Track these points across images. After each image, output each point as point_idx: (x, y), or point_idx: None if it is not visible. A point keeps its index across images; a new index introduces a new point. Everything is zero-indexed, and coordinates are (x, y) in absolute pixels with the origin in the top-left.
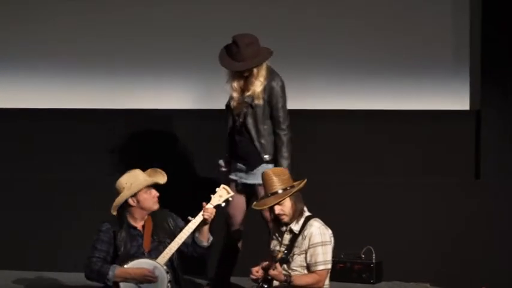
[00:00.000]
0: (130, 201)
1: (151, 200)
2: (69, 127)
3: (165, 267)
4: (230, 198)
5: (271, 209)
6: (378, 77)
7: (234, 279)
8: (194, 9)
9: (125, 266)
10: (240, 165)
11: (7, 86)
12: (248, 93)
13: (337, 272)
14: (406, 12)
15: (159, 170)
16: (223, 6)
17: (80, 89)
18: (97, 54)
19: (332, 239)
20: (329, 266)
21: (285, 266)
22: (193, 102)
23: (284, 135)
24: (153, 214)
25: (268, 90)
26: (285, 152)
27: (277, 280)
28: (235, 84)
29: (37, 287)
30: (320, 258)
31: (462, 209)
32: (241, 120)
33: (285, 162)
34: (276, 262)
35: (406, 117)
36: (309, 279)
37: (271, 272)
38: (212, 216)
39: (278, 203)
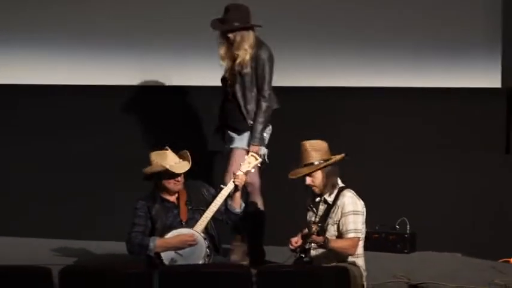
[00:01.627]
0: (156, 178)
1: (171, 183)
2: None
3: (202, 234)
4: (259, 165)
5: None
6: (411, 55)
7: (272, 249)
8: None
9: (165, 236)
10: (230, 132)
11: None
12: (237, 62)
13: (372, 242)
14: None
15: (187, 156)
16: None
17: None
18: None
19: (364, 209)
20: (359, 235)
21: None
22: None
23: (263, 102)
24: (186, 185)
25: (255, 58)
26: (260, 117)
27: (315, 242)
28: (221, 52)
29: (77, 256)
30: (351, 227)
31: (493, 182)
32: (230, 89)
33: (259, 127)
34: (312, 232)
35: (440, 95)
36: (344, 243)
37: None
38: (243, 183)
39: (309, 174)
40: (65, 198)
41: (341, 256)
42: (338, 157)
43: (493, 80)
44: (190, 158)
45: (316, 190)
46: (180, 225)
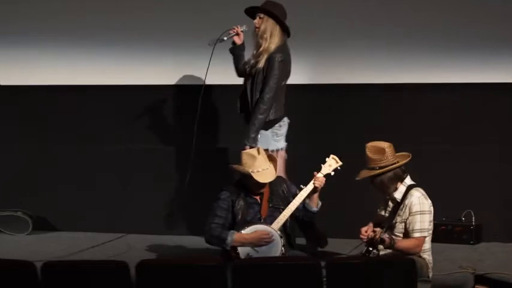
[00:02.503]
0: (242, 175)
1: (254, 187)
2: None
3: (278, 232)
4: (339, 168)
5: None
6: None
7: (340, 241)
8: None
9: (242, 231)
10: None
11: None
12: (256, 52)
13: (439, 234)
14: None
15: (274, 163)
16: None
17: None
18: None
19: (431, 208)
20: (425, 234)
21: (388, 231)
22: None
23: (261, 104)
24: (269, 183)
25: (269, 59)
26: (256, 119)
27: (382, 244)
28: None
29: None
30: (417, 226)
31: None
32: (245, 82)
33: (253, 128)
34: (381, 229)
35: (501, 89)
36: (409, 243)
37: (373, 236)
38: (322, 185)
39: (370, 177)
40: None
41: (407, 254)
42: (399, 163)
43: None
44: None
45: (378, 191)
46: (259, 221)
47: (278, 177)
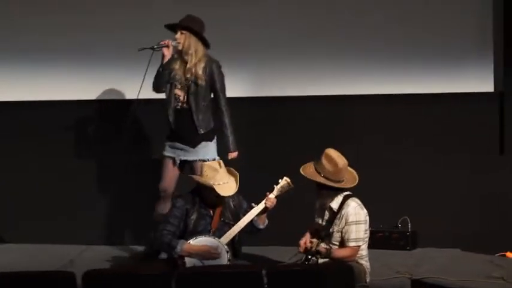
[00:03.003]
0: (200, 186)
1: (211, 198)
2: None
3: (226, 246)
4: (291, 191)
5: None
6: (407, 62)
7: (279, 249)
8: None
9: (190, 241)
10: (180, 144)
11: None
12: (188, 67)
13: (377, 240)
14: None
15: (236, 176)
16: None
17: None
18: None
19: (367, 217)
20: (360, 243)
21: (326, 239)
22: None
23: (227, 111)
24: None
25: (208, 70)
26: (230, 125)
27: (319, 253)
28: (172, 59)
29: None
30: (352, 236)
31: (489, 181)
32: (181, 98)
33: (231, 134)
34: (319, 238)
35: (436, 100)
36: (345, 252)
37: (310, 247)
38: (273, 205)
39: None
40: (85, 205)
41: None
42: (339, 185)
43: (486, 84)
44: (238, 179)
45: (317, 195)
46: (208, 233)
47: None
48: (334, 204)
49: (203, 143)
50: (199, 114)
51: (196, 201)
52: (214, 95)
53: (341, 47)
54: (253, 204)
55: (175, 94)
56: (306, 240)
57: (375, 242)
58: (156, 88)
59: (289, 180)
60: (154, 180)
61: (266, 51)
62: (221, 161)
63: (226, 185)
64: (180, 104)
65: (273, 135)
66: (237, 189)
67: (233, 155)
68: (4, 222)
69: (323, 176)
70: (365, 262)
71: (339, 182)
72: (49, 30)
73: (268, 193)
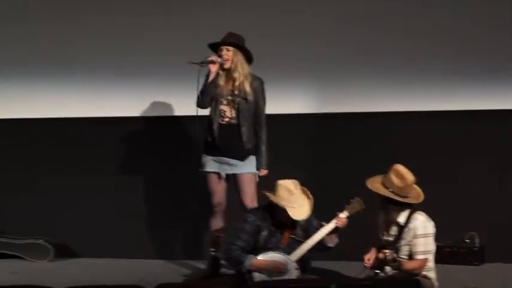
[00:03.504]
0: (273, 204)
1: (287, 219)
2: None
3: (295, 264)
4: (361, 211)
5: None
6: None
7: (344, 264)
8: None
9: (260, 256)
10: (229, 159)
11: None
12: (236, 84)
13: (444, 255)
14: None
15: (311, 203)
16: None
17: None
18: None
19: (434, 229)
20: (428, 256)
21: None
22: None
23: (264, 129)
24: None
25: (253, 87)
26: (265, 142)
27: (389, 265)
28: (218, 75)
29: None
30: (421, 249)
31: None
32: (227, 114)
33: (265, 152)
34: (391, 251)
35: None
36: (414, 264)
37: (384, 256)
38: (344, 225)
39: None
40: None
41: (412, 274)
42: (408, 201)
43: None
44: (312, 203)
45: (381, 209)
46: (278, 249)
47: None
48: (401, 218)
49: (250, 157)
50: (246, 130)
51: (267, 218)
52: (255, 112)
53: (400, 65)
54: (323, 223)
55: (220, 110)
56: (371, 255)
57: (442, 257)
58: (201, 104)
59: (360, 201)
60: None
61: (331, 67)
62: (297, 182)
63: (300, 208)
64: (226, 120)
65: (339, 153)
66: (310, 214)
67: (264, 172)
68: (75, 237)
69: (391, 191)
70: (432, 275)
71: (405, 197)
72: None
73: (338, 213)
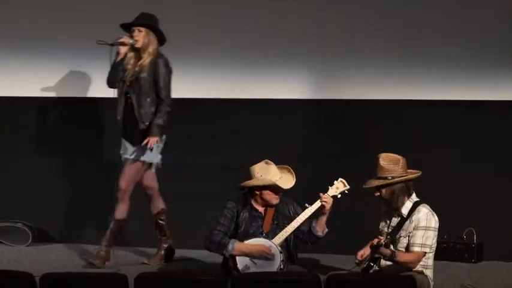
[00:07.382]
0: (256, 189)
1: (272, 196)
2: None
3: (279, 247)
4: (346, 191)
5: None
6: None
7: (341, 257)
8: None
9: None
10: (125, 142)
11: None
12: (139, 63)
13: (440, 251)
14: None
15: (291, 171)
16: None
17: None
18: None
19: (437, 225)
20: (426, 249)
21: (391, 246)
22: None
23: (164, 105)
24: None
25: (154, 65)
26: (160, 116)
27: (383, 254)
28: (128, 54)
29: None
30: (418, 241)
31: None
32: (126, 93)
33: (158, 121)
34: (381, 244)
35: (504, 108)
36: (409, 257)
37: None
38: (329, 204)
39: (379, 187)
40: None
41: (406, 267)
42: (411, 176)
43: None
44: (293, 172)
45: (384, 203)
46: (260, 235)
47: (285, 197)
48: (404, 210)
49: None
50: (140, 109)
51: (247, 203)
52: (155, 88)
53: (408, 54)
54: (307, 205)
55: (125, 91)
56: (364, 251)
57: (438, 253)
58: (109, 84)
59: (344, 181)
60: None
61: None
62: (269, 161)
63: (283, 179)
64: (129, 101)
65: (335, 139)
66: (294, 180)
67: (153, 139)
68: (53, 221)
69: (391, 178)
70: (430, 273)
71: (404, 176)
72: None
73: (321, 194)
